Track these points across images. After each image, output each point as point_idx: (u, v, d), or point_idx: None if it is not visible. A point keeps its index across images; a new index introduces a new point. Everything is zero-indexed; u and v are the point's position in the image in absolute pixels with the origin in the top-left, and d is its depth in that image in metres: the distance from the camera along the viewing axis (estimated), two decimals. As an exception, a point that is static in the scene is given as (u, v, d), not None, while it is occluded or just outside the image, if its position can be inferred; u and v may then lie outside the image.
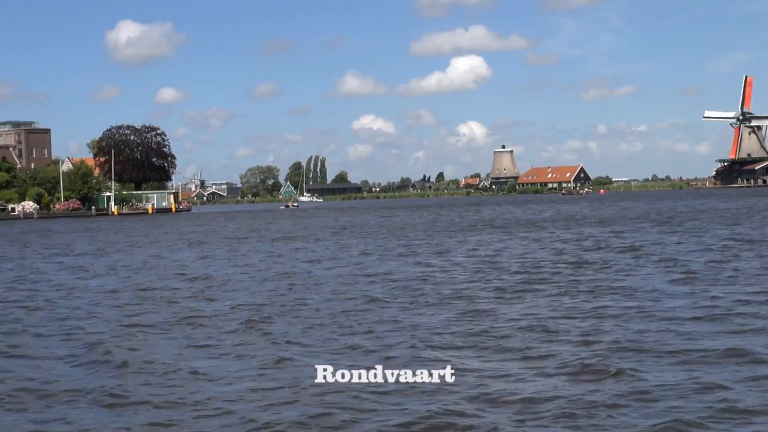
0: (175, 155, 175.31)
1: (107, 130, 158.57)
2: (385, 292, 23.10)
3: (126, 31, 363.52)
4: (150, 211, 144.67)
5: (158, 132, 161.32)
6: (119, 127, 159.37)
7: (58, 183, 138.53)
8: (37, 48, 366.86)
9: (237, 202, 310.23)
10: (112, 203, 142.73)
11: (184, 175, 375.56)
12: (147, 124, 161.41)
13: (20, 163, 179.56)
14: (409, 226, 65.81)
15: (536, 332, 16.25)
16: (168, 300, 23.50)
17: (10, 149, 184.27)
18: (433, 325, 17.52)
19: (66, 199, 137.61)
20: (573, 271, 27.26)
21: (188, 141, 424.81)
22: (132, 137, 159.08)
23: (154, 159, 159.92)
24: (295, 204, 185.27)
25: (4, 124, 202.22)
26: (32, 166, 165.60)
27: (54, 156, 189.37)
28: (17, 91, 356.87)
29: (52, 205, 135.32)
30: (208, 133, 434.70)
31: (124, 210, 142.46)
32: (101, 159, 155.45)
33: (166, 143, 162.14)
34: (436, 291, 23.14)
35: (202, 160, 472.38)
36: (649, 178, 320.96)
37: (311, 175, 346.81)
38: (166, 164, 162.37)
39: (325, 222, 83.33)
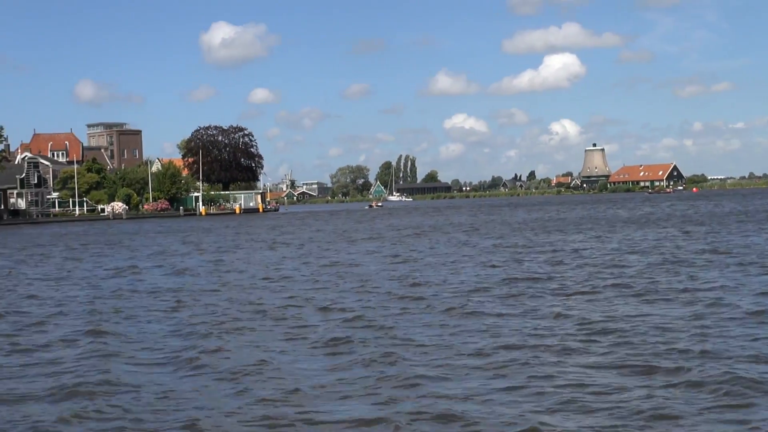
0: (263, 155, 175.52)
1: (195, 131, 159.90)
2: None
3: (220, 33, 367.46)
4: (237, 211, 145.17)
5: (245, 132, 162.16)
6: (207, 128, 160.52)
7: (147, 184, 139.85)
8: (133, 51, 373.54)
9: (327, 201, 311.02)
10: (200, 203, 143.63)
11: (276, 175, 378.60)
12: (234, 125, 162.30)
13: (111, 164, 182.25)
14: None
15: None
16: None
17: (102, 150, 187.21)
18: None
19: (154, 199, 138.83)
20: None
21: (280, 141, 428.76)
22: (220, 138, 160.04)
23: (242, 159, 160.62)
24: (380, 204, 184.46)
25: (97, 125, 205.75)
26: (122, 167, 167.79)
27: (145, 157, 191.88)
28: (114, 93, 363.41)
29: (140, 206, 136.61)
30: (301, 133, 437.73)
31: (212, 210, 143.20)
32: (189, 159, 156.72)
33: (254, 143, 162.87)
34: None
35: (295, 160, 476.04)
36: (746, 176, 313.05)
37: (401, 175, 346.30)
38: (253, 164, 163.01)
39: (417, 221, 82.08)
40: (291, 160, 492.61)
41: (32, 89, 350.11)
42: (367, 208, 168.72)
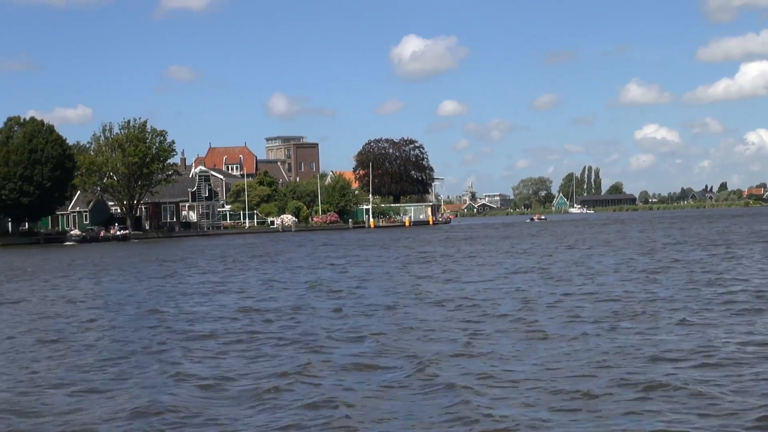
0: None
1: (366, 144, 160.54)
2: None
3: (411, 46, 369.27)
4: (407, 223, 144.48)
5: (416, 145, 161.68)
6: (378, 141, 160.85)
7: (317, 196, 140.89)
8: (324, 66, 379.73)
9: (507, 214, 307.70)
10: (370, 216, 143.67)
11: (461, 187, 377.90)
12: (405, 137, 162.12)
13: (288, 176, 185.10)
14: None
15: None
16: None
17: (279, 164, 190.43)
18: None
19: (324, 212, 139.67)
20: None
21: (468, 153, 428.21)
22: (390, 150, 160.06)
23: (412, 172, 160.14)
24: (543, 217, 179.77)
25: (275, 139, 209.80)
26: (296, 180, 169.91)
27: (322, 170, 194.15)
28: (306, 107, 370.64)
29: (310, 218, 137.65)
30: (488, 144, 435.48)
31: (381, 223, 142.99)
32: (360, 172, 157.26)
33: (424, 156, 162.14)
34: None
35: (482, 172, 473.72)
36: None
37: (585, 186, 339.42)
38: (424, 177, 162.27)
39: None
40: (478, 172, 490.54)
41: (229, 103, 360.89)
42: (528, 221, 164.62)
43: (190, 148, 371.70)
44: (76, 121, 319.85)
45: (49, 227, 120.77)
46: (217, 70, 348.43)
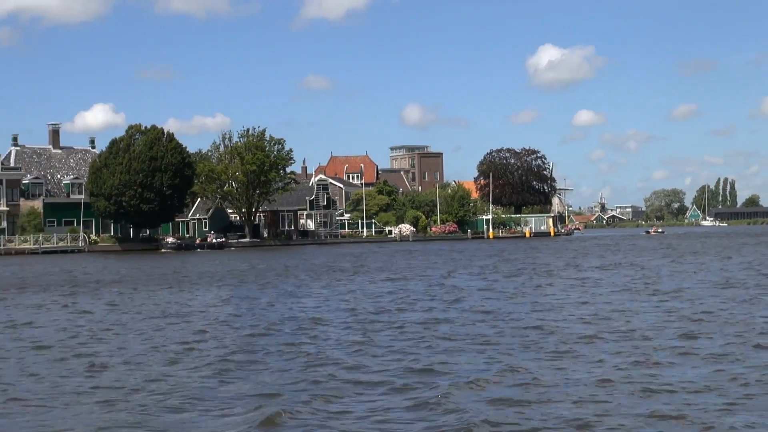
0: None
1: (487, 153, 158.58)
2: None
3: (547, 56, 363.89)
4: (527, 234, 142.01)
5: (538, 155, 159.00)
6: (499, 151, 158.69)
7: (436, 206, 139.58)
8: (459, 75, 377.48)
9: (637, 226, 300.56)
10: (490, 226, 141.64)
11: (595, 198, 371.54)
12: (527, 147, 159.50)
13: (412, 186, 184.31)
14: None
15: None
16: None
17: (402, 173, 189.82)
18: None
19: (442, 222, 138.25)
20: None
21: (604, 163, 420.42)
22: (512, 161, 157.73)
23: (534, 182, 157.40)
24: (660, 231, 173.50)
25: (399, 148, 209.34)
26: (420, 189, 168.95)
27: (446, 179, 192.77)
28: (440, 117, 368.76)
29: (428, 228, 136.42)
30: (624, 155, 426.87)
31: (501, 233, 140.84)
32: (482, 182, 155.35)
33: (547, 166, 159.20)
34: None
35: (617, 183, 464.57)
36: None
37: (720, 198, 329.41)
38: (546, 187, 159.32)
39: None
40: (613, 183, 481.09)
41: (359, 112, 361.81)
42: (644, 234, 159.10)
43: (314, 156, 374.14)
44: (215, 130, 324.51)
45: (170, 234, 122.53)
46: (352, 79, 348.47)
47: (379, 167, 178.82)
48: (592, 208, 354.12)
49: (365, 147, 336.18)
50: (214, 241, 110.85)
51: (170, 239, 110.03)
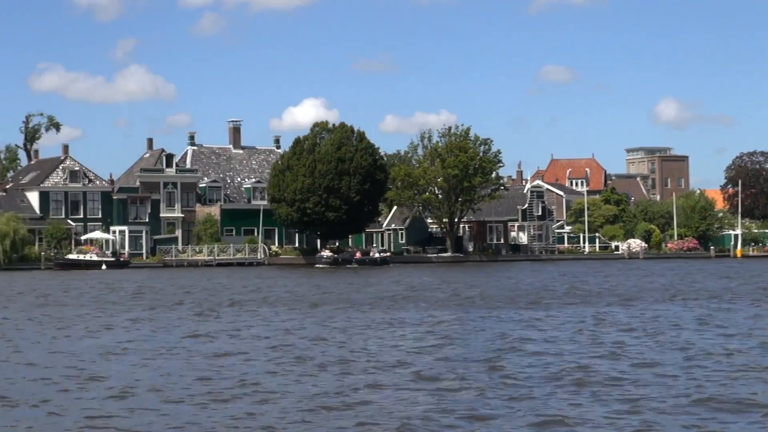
0: None
1: (737, 157, 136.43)
2: None
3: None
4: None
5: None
6: (752, 154, 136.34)
7: (673, 218, 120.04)
8: (722, 69, 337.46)
9: None
10: (738, 243, 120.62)
11: None
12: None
13: (651, 194, 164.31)
14: None
15: None
16: None
17: (638, 179, 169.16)
18: None
19: (680, 237, 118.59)
20: None
21: None
22: (767, 165, 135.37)
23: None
24: None
25: (636, 150, 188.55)
26: (658, 198, 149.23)
27: (692, 186, 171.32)
28: (700, 113, 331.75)
29: (663, 244, 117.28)
30: None
31: (751, 251, 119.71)
32: (729, 191, 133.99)
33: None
34: None
35: None
36: None
37: None
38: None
39: None
40: None
41: (601, 109, 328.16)
42: None
43: (533, 159, 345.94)
44: (438, 126, 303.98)
45: (363, 246, 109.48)
46: (598, 71, 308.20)
47: (607, 172, 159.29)
48: None
49: (592, 149, 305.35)
50: (376, 256, 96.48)
51: (325, 253, 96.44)
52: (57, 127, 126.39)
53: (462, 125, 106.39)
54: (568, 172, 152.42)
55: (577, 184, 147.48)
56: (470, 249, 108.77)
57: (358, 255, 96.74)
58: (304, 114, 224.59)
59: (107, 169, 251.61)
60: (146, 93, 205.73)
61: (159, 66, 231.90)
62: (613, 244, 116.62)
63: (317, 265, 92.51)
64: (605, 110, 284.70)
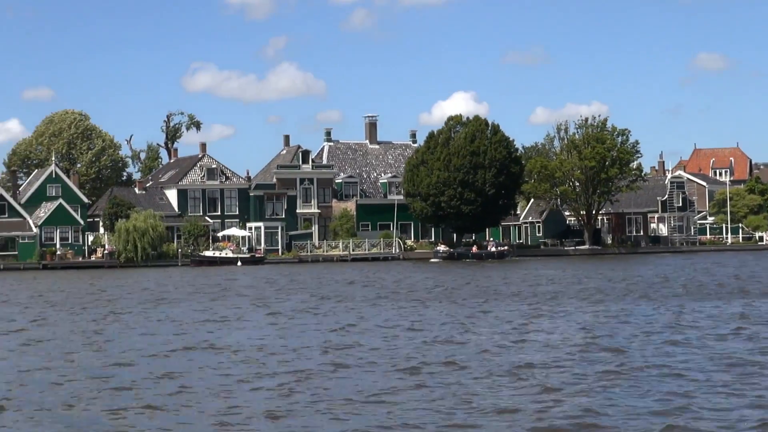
0: None
1: None
2: None
3: None
4: None
5: None
6: None
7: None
8: None
9: None
10: None
11: None
12: None
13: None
14: None
15: None
16: None
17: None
18: None
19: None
20: None
21: None
22: None
23: None
24: None
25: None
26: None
27: None
28: None
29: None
30: None
31: None
32: None
33: None
34: None
35: None
36: None
37: None
38: None
39: None
40: None
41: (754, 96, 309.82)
42: None
43: (681, 149, 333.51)
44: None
45: (500, 240, 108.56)
46: (754, 58, 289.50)
47: (753, 161, 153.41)
48: None
49: (738, 138, 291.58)
50: (493, 250, 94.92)
51: (441, 248, 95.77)
52: (197, 125, 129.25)
53: (599, 116, 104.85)
54: (711, 161, 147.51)
55: (720, 174, 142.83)
56: (608, 241, 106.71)
57: (474, 249, 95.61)
58: (454, 108, 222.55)
59: (245, 166, 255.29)
60: (297, 90, 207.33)
61: (309, 63, 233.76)
62: (757, 234, 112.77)
63: (432, 260, 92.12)
64: (757, 98, 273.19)
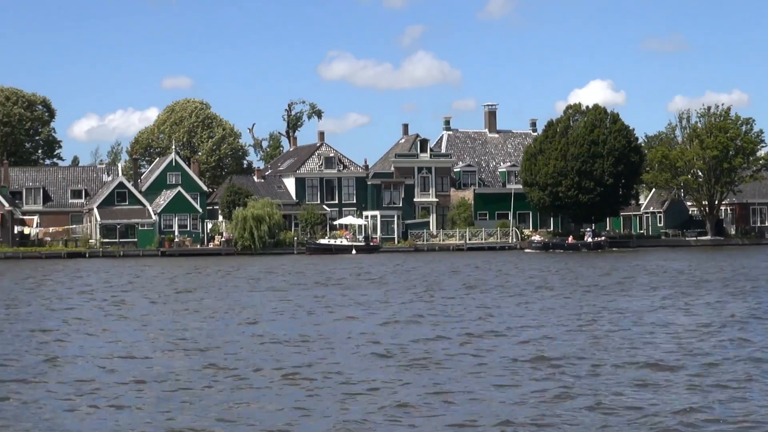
0: None
1: None
2: None
3: None
4: None
5: None
6: None
7: None
8: None
9: None
10: None
11: None
12: None
13: None
14: None
15: None
16: None
17: None
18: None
19: None
20: None
21: None
22: None
23: None
24: None
25: None
26: None
27: None
28: None
29: None
30: None
31: None
32: None
33: None
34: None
35: None
36: None
37: None
38: None
39: None
40: None
41: None
42: None
43: None
44: (734, 107, 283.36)
45: (621, 230, 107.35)
46: None
47: None
48: None
49: None
50: (589, 240, 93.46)
51: (536, 238, 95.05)
52: (319, 114, 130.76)
53: (723, 105, 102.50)
54: None
55: None
56: (732, 232, 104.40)
57: (570, 240, 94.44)
58: (590, 96, 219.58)
59: (363, 154, 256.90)
60: (433, 78, 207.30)
61: (445, 52, 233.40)
62: None
63: (526, 250, 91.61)
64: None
